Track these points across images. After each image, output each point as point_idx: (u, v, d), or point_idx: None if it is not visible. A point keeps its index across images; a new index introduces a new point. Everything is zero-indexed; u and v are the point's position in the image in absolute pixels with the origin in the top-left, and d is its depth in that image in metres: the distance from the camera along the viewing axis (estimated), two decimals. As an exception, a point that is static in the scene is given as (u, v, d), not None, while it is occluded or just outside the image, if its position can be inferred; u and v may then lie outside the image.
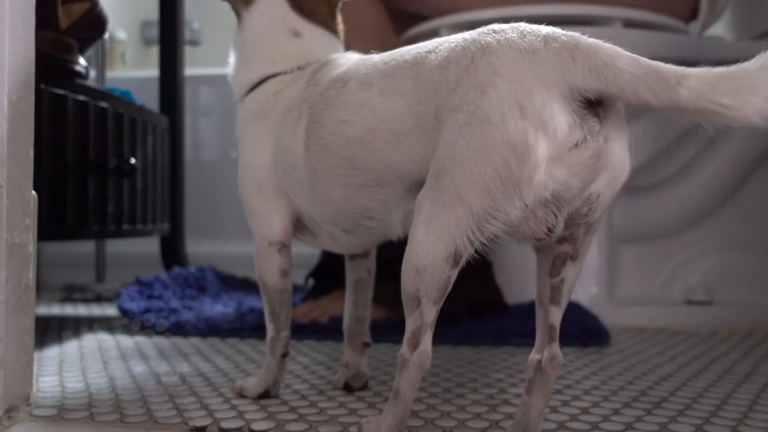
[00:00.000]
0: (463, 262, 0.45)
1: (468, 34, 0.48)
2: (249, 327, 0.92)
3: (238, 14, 0.65)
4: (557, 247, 0.47)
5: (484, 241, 0.44)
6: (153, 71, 1.37)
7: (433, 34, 1.16)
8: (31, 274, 0.57)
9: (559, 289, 0.48)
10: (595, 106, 0.43)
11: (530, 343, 0.89)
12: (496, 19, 1.20)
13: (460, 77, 0.45)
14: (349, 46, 1.10)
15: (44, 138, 0.84)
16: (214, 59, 2.36)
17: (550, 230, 0.45)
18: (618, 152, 0.45)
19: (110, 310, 1.18)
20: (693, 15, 1.18)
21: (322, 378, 0.69)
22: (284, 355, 0.62)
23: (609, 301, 1.13)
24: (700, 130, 1.36)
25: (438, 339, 0.88)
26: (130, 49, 2.17)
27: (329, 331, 0.90)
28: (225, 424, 0.53)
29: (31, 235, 0.57)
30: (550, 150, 0.41)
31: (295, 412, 0.57)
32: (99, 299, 1.34)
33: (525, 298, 1.12)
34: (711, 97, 0.42)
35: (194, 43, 2.32)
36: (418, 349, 0.47)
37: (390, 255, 0.99)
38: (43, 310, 1.20)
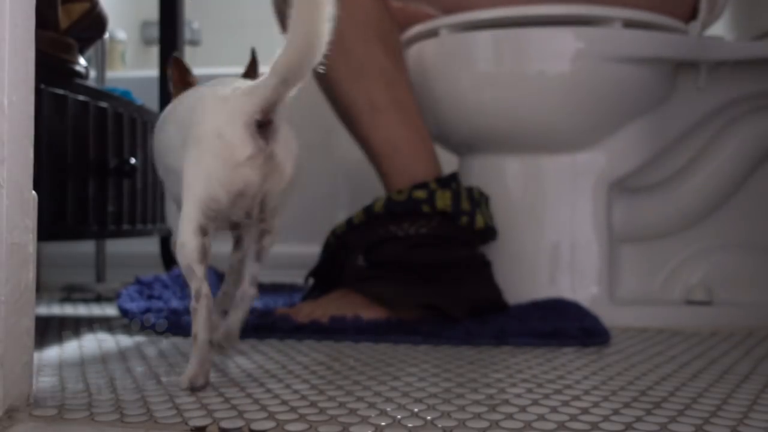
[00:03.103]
0: (211, 230, 0.64)
1: (200, 88, 0.72)
2: (249, 327, 0.92)
3: None
4: (260, 225, 0.70)
5: (216, 216, 0.64)
6: (153, 71, 1.37)
7: (433, 33, 1.16)
8: (31, 274, 0.57)
9: (261, 251, 0.71)
10: (264, 130, 0.63)
11: (530, 343, 0.89)
12: (497, 19, 1.20)
13: (191, 116, 0.66)
14: (350, 43, 1.09)
15: (44, 138, 0.84)
16: (214, 59, 2.37)
17: (248, 214, 0.66)
18: (280, 160, 0.64)
19: (110, 310, 1.18)
20: (693, 15, 1.18)
21: (322, 378, 0.69)
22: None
23: (609, 301, 1.13)
24: (700, 131, 1.37)
25: (438, 339, 0.88)
26: (130, 49, 2.17)
27: (329, 331, 0.90)
28: (225, 424, 0.53)
29: (31, 235, 0.57)
30: (238, 158, 0.62)
31: (295, 412, 0.57)
32: (99, 299, 1.34)
33: (525, 298, 1.12)
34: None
35: (194, 43, 2.32)
36: (201, 298, 0.64)
37: (390, 255, 0.99)
38: (43, 310, 1.20)
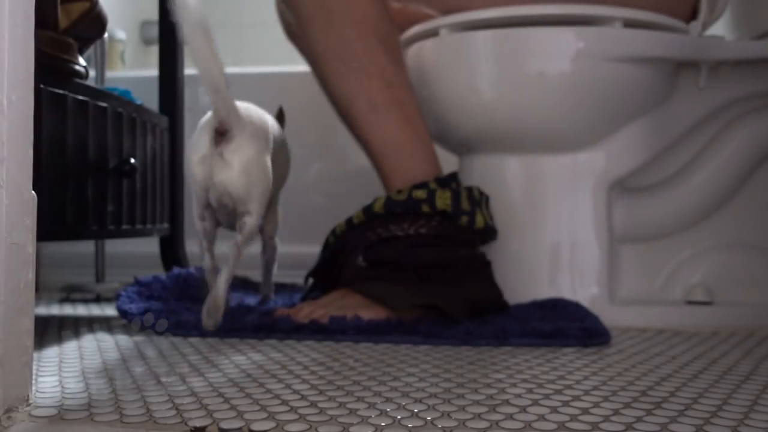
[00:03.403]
0: (207, 216, 0.90)
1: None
2: (249, 327, 0.91)
3: None
4: (239, 210, 0.87)
5: (206, 205, 0.88)
6: (152, 71, 1.37)
7: (433, 33, 1.16)
8: (31, 274, 0.57)
9: (242, 226, 0.87)
10: (221, 137, 0.84)
11: (530, 344, 0.89)
12: (497, 19, 1.20)
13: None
14: (349, 43, 1.09)
15: (44, 138, 0.84)
16: (213, 59, 2.36)
17: (221, 203, 0.86)
18: (228, 158, 0.84)
19: (110, 311, 1.18)
20: (693, 15, 1.18)
21: (322, 378, 0.69)
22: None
23: (609, 301, 1.13)
24: (700, 131, 1.36)
25: (438, 339, 0.88)
26: (129, 49, 2.17)
27: (329, 331, 0.90)
28: (224, 425, 0.53)
29: (31, 235, 0.57)
30: (194, 158, 0.85)
31: (295, 412, 0.57)
32: (98, 299, 1.34)
33: (525, 298, 1.12)
34: None
35: (194, 42, 2.31)
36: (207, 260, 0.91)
37: (389, 255, 0.99)
38: (43, 310, 1.20)
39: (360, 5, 1.05)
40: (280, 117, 1.09)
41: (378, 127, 1.05)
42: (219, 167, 0.84)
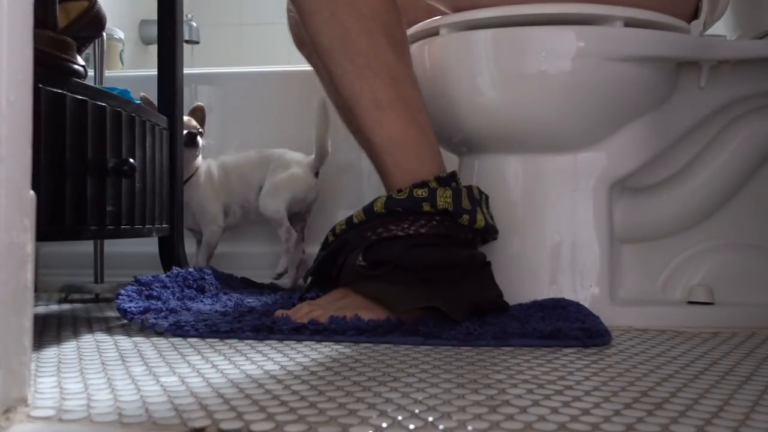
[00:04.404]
0: (286, 210, 1.47)
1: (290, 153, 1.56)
2: (248, 328, 0.91)
3: None
4: (304, 215, 1.54)
5: (290, 207, 1.47)
6: (151, 70, 1.37)
7: (434, 33, 1.16)
8: (29, 275, 0.57)
9: (302, 233, 1.53)
10: (316, 175, 1.48)
11: (531, 344, 0.89)
12: (497, 18, 1.20)
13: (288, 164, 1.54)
14: (354, 37, 1.07)
15: (42, 137, 0.84)
16: (212, 58, 2.36)
17: (300, 208, 1.52)
18: (319, 188, 1.50)
19: (108, 311, 1.18)
20: (695, 14, 1.17)
21: (321, 378, 0.69)
22: None
23: (610, 301, 1.13)
24: (701, 130, 1.36)
25: (438, 339, 0.88)
26: (128, 48, 2.17)
27: (329, 331, 0.90)
28: (224, 425, 0.53)
29: (29, 235, 0.57)
30: (310, 184, 1.50)
31: (295, 413, 0.57)
32: (97, 300, 1.34)
33: (526, 298, 1.11)
34: None
35: (192, 41, 2.31)
36: (291, 237, 1.47)
37: (390, 255, 0.99)
38: (41, 310, 1.20)
39: None
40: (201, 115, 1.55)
41: (382, 125, 1.03)
42: (316, 192, 1.52)
